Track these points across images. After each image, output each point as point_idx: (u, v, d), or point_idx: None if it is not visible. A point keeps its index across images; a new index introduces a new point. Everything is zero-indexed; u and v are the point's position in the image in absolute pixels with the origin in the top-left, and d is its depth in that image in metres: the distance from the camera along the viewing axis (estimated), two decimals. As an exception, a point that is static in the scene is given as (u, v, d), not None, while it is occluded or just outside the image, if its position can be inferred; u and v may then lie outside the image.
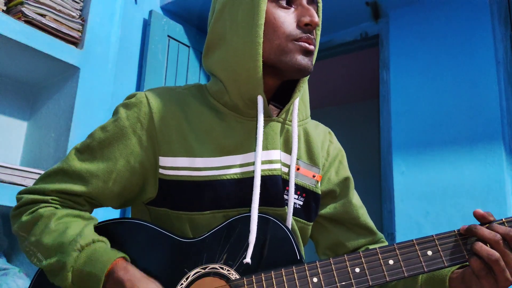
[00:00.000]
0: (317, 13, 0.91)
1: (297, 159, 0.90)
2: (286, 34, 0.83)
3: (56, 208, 0.84)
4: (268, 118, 0.88)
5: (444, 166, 2.15)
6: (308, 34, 0.83)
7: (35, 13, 1.77)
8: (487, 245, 0.72)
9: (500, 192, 1.97)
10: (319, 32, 0.91)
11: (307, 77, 0.91)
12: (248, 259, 0.77)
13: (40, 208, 0.83)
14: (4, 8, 1.75)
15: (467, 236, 0.75)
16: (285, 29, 0.83)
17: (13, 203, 1.63)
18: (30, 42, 1.71)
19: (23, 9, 1.73)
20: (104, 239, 0.80)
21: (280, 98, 0.95)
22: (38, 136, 1.97)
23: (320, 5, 0.92)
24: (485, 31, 2.18)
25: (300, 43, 0.83)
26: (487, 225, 0.74)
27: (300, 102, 0.93)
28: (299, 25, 0.83)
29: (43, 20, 1.79)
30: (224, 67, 0.87)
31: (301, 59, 0.83)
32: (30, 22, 1.75)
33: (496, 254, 0.70)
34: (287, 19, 0.83)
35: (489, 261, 0.70)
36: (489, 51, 2.15)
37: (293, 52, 0.83)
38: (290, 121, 0.90)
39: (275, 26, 0.83)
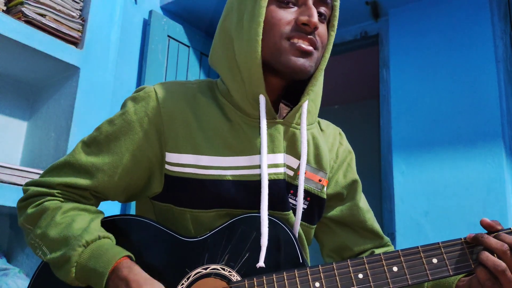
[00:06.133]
0: (333, 12, 0.87)
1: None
2: (281, 32, 0.80)
3: (62, 201, 0.84)
4: (273, 120, 0.85)
5: (444, 165, 2.15)
6: (305, 34, 0.80)
7: (35, 13, 1.76)
8: (494, 255, 0.70)
9: (500, 191, 1.97)
10: (333, 33, 0.87)
11: (319, 79, 0.88)
12: (261, 263, 0.76)
13: (46, 201, 0.83)
14: (4, 8, 1.74)
15: (473, 244, 0.73)
16: (280, 27, 0.80)
17: (13, 203, 1.64)
18: (30, 42, 1.71)
19: (23, 9, 1.72)
20: (110, 235, 0.79)
21: (294, 98, 0.93)
22: (38, 136, 1.96)
23: (337, 3, 0.88)
24: (484, 29, 2.18)
25: (295, 42, 0.80)
26: (494, 234, 0.72)
27: (312, 104, 0.90)
28: (297, 24, 0.80)
29: (43, 20, 1.78)
30: (229, 66, 0.86)
31: (296, 60, 0.80)
32: (30, 22, 1.74)
33: (502, 264, 0.68)
34: (286, 17, 0.81)
35: (495, 271, 0.68)
36: (489, 49, 2.14)
37: (288, 52, 0.80)
38: (298, 125, 0.87)
39: (272, 24, 0.81)
